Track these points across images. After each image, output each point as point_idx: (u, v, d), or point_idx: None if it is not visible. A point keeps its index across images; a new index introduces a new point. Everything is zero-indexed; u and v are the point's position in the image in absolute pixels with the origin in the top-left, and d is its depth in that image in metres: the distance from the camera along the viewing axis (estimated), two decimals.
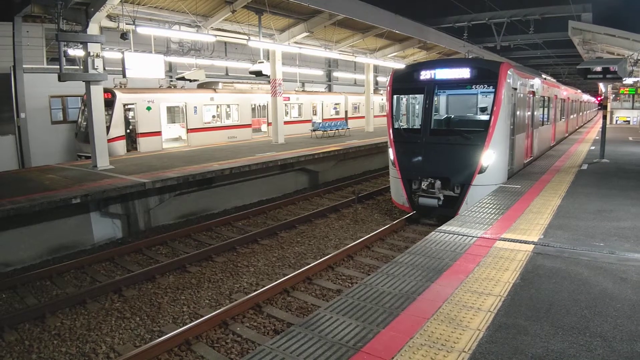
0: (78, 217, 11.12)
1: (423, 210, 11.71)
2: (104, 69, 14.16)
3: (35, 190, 10.98)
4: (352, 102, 34.07)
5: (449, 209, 10.82)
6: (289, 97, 26.86)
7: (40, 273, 9.14)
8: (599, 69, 12.53)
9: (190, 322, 6.94)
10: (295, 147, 19.45)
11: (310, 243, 11.00)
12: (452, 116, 12.88)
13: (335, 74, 38.19)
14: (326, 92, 36.35)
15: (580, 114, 34.20)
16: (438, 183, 11.04)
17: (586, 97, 39.81)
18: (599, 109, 50.20)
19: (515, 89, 11.32)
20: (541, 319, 4.21)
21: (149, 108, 18.60)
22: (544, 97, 15.76)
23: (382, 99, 35.56)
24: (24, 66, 18.61)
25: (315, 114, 29.95)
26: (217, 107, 22.36)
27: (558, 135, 20.62)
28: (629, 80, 21.13)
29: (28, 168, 17.51)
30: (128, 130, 18.55)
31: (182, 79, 20.83)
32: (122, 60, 15.41)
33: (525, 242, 6.49)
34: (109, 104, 17.01)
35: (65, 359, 6.23)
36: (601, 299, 4.63)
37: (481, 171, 10.63)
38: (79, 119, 18.74)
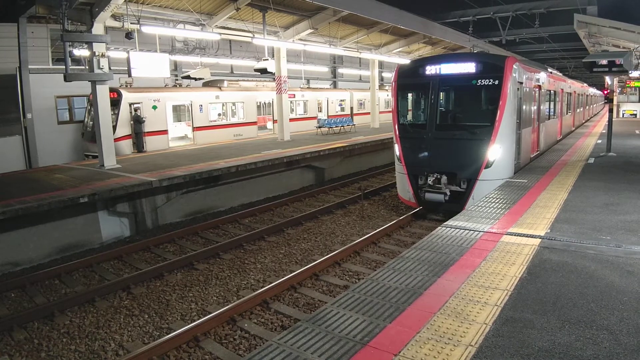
0: (86, 216, 11.20)
1: (429, 205, 11.71)
2: (110, 68, 14.22)
3: (43, 190, 11.05)
4: (358, 99, 33.96)
5: (455, 204, 10.81)
6: (294, 94, 26.87)
7: (49, 272, 9.22)
8: (604, 62, 12.47)
9: (198, 319, 6.98)
10: (301, 144, 19.45)
11: (317, 239, 11.02)
12: (458, 111, 12.84)
13: (340, 70, 38.07)
14: (331, 88, 36.30)
15: (587, 107, 33.97)
16: (444, 178, 11.04)
17: (592, 90, 39.54)
18: (605, 103, 49.85)
19: (521, 83, 11.26)
20: (548, 313, 4.21)
21: (155, 107, 18.66)
22: (550, 90, 15.67)
23: (388, 95, 35.41)
24: (30, 67, 18.67)
25: (320, 110, 29.89)
26: (223, 105, 22.37)
27: (564, 129, 20.50)
28: (635, 73, 20.92)
29: (35, 168, 17.61)
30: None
31: (188, 77, 20.90)
32: (128, 60, 15.50)
33: (532, 236, 6.47)
34: (115, 103, 17.10)
35: (74, 357, 6.30)
36: (608, 292, 4.62)
37: (487, 166, 10.60)
38: (86, 119, 18.84)
